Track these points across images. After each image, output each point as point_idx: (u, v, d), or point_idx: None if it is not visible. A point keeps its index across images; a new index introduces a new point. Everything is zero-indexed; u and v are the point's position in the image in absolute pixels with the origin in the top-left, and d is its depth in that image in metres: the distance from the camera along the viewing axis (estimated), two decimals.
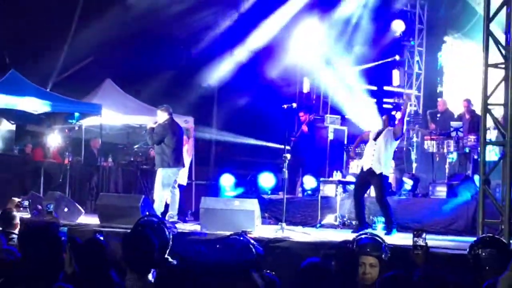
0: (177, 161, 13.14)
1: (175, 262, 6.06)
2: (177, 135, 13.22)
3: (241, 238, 6.12)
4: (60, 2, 22.54)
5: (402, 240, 9.61)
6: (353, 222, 13.46)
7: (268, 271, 5.70)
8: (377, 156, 11.89)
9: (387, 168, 12.11)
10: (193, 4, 19.99)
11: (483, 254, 5.80)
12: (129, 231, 6.71)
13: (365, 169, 12.04)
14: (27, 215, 12.73)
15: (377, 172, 11.83)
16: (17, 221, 9.10)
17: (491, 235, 7.03)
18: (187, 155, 15.20)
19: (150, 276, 5.34)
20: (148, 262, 5.27)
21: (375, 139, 12.06)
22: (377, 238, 6.45)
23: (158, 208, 12.77)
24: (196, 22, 20.23)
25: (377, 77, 20.17)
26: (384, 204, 11.84)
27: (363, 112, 17.10)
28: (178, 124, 13.60)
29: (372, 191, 12.82)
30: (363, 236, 6.51)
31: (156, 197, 13.05)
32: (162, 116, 13.20)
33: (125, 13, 21.45)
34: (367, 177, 12.04)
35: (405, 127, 11.92)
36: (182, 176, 14.43)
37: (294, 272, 5.16)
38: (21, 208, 12.83)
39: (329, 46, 19.41)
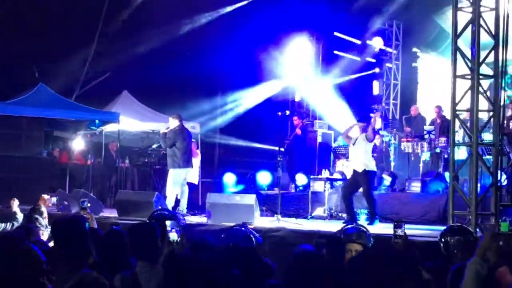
0: (187, 162, 13.13)
1: None
2: (186, 140, 13.23)
3: (242, 228, 6.12)
4: (82, 23, 22.54)
5: (383, 229, 9.62)
6: (340, 214, 13.48)
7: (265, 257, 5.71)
8: (359, 158, 11.98)
9: (370, 164, 12.09)
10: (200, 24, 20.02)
11: (452, 240, 5.83)
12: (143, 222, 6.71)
13: (354, 170, 12.11)
14: (55, 210, 12.74)
15: (361, 170, 11.87)
16: (46, 215, 9.10)
17: (459, 224, 7.07)
18: (197, 159, 15.23)
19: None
20: (153, 250, 5.16)
21: (354, 144, 12.14)
22: (362, 227, 6.46)
23: (170, 203, 12.76)
24: (203, 40, 20.22)
25: (360, 87, 20.20)
26: (370, 198, 11.85)
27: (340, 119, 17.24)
28: (187, 130, 13.60)
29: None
30: (349, 226, 6.52)
31: (168, 193, 13.04)
32: (173, 123, 13.19)
33: (138, 33, 21.45)
34: (356, 177, 12.07)
35: (372, 135, 11.98)
36: (194, 176, 14.47)
37: (289, 257, 5.15)
38: (50, 204, 12.87)
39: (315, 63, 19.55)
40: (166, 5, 20.02)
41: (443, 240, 5.90)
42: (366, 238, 6.26)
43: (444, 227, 6.32)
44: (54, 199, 13.61)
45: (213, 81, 21.98)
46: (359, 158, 11.97)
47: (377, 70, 19.85)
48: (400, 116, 18.85)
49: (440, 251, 5.88)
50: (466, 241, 5.82)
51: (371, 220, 11.62)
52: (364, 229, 6.40)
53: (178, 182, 12.96)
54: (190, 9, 20.41)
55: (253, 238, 5.91)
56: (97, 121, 18.87)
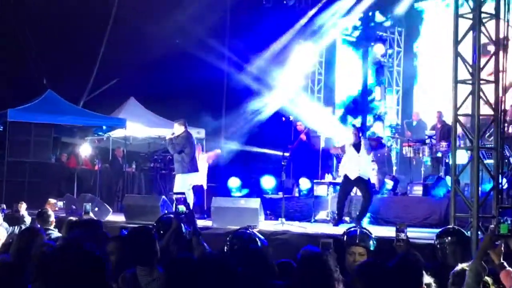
0: (194, 167, 13.12)
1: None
2: (193, 145, 13.22)
3: (247, 231, 6.10)
4: (90, 29, 22.60)
5: (386, 232, 9.58)
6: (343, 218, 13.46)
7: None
8: (363, 165, 11.96)
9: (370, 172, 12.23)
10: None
11: (446, 241, 5.85)
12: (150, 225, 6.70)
13: (352, 178, 12.02)
14: (63, 214, 12.73)
15: (366, 178, 11.91)
16: (53, 218, 9.07)
17: (452, 226, 7.09)
18: (205, 162, 15.19)
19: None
20: (150, 254, 5.10)
21: (357, 151, 12.05)
22: (365, 230, 6.41)
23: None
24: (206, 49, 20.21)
25: (362, 92, 20.23)
26: (370, 201, 11.94)
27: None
28: (192, 135, 13.58)
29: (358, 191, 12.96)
30: (352, 229, 6.48)
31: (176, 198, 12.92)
32: (179, 128, 13.11)
33: (143, 40, 21.48)
34: (354, 184, 12.12)
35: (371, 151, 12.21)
36: (203, 178, 14.44)
37: (294, 259, 5.14)
38: (57, 208, 12.84)
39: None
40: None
41: (438, 241, 5.93)
42: (369, 241, 6.23)
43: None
44: (60, 203, 13.58)
45: (218, 88, 21.97)
46: (364, 166, 11.99)
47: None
48: (402, 120, 18.83)
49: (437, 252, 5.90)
50: (458, 241, 5.86)
51: (359, 218, 11.79)
52: (368, 232, 6.37)
53: (186, 186, 12.95)
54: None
55: (258, 241, 5.89)
56: (104, 127, 18.94)
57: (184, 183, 12.93)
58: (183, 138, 13.02)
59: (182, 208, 6.26)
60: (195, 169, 13.17)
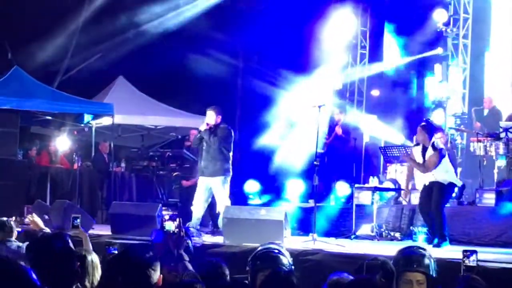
0: (231, 169, 13.23)
1: None
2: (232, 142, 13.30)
3: (275, 249, 6.11)
4: None
5: (448, 252, 9.58)
6: (392, 233, 13.46)
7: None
8: (440, 171, 11.79)
9: (452, 175, 12.00)
10: None
11: None
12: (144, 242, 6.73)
13: (427, 184, 11.91)
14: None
15: (443, 181, 11.73)
16: (15, 231, 9.27)
17: None
18: None
19: None
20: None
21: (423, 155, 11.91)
22: (423, 251, 6.34)
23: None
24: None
25: (418, 72, 20.18)
26: (439, 213, 11.72)
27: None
28: None
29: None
30: (408, 249, 6.37)
31: (221, 208, 12.85)
32: (214, 117, 13.15)
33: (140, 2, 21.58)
34: (431, 190, 11.93)
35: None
36: None
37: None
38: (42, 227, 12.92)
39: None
40: None
41: None
42: (430, 265, 6.15)
43: None
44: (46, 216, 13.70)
45: (233, 66, 22.04)
46: (438, 169, 11.81)
47: (440, 50, 19.74)
48: (469, 108, 18.75)
49: None
50: None
51: (439, 241, 11.52)
52: (427, 254, 6.31)
53: (225, 194, 13.00)
54: None
55: (288, 262, 5.93)
56: (86, 115, 19.00)
57: (227, 188, 12.99)
58: (229, 131, 13.13)
59: (170, 225, 6.24)
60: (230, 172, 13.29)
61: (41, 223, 9.10)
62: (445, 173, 11.76)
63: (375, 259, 6.00)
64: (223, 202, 12.89)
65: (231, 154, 13.12)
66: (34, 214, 9.89)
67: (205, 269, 5.99)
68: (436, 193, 11.70)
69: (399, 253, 6.23)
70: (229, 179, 13.13)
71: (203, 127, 13.14)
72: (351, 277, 5.47)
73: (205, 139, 13.04)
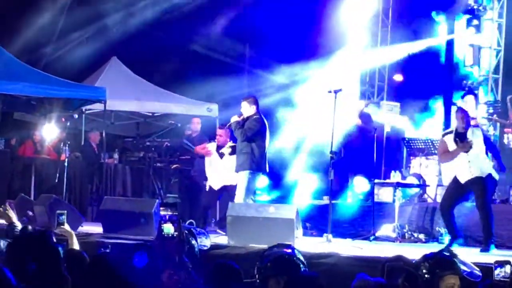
0: (263, 166, 13.18)
1: None
2: (265, 136, 13.25)
3: (288, 251, 6.11)
4: None
5: (480, 256, 9.57)
6: (415, 234, 13.45)
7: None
8: (476, 162, 11.78)
9: (490, 166, 12.05)
10: None
11: None
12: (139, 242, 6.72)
13: (462, 182, 11.91)
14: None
15: (484, 176, 11.74)
16: None
17: None
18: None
19: None
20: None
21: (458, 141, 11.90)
22: (457, 255, 6.37)
23: None
24: None
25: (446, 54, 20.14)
26: (486, 212, 11.77)
27: None
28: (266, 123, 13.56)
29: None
30: (440, 253, 6.36)
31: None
32: (249, 108, 13.20)
33: None
34: (467, 188, 11.93)
35: None
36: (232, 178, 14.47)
37: None
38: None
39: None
40: None
41: None
42: (464, 269, 6.17)
43: None
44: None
45: (239, 47, 22.05)
46: (477, 162, 11.79)
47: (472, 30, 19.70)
48: (504, 95, 18.69)
49: None
50: None
51: (486, 245, 11.54)
52: (460, 257, 6.32)
53: (252, 190, 13.01)
54: None
55: (302, 266, 5.93)
56: (75, 100, 18.99)
57: (251, 185, 13.00)
58: (257, 122, 13.11)
59: (169, 228, 6.23)
60: (264, 170, 13.26)
61: (13, 217, 9.06)
62: (484, 164, 11.82)
63: (398, 259, 6.01)
64: (236, 199, 12.93)
65: (261, 148, 13.10)
66: (9, 208, 9.89)
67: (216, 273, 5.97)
68: (478, 189, 11.72)
69: (429, 257, 6.21)
70: (256, 175, 13.17)
71: (233, 119, 13.19)
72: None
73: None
